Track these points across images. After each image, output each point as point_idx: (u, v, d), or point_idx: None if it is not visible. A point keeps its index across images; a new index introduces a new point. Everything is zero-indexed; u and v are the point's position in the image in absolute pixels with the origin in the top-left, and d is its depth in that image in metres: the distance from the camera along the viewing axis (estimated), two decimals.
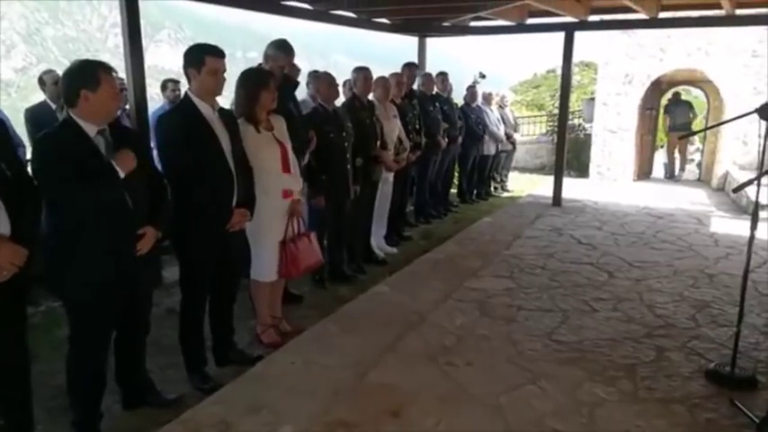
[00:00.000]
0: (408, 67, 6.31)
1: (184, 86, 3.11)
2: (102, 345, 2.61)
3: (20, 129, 4.47)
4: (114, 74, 2.45)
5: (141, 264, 2.54)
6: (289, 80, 4.01)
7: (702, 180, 10.99)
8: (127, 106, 4.42)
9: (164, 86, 6.20)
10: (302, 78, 5.17)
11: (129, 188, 2.43)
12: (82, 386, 2.62)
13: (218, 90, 2.93)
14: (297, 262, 3.49)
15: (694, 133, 9.10)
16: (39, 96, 5.05)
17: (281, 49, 3.88)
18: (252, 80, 3.31)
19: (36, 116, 4.68)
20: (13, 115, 4.41)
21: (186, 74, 2.88)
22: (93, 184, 2.33)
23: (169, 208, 2.67)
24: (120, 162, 2.37)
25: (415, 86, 6.54)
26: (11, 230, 2.08)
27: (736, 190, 3.29)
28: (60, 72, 3.10)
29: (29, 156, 3.38)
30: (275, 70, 3.76)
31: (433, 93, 6.82)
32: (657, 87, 10.81)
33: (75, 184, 2.28)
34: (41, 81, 4.85)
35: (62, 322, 3.43)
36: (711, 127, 10.15)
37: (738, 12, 6.82)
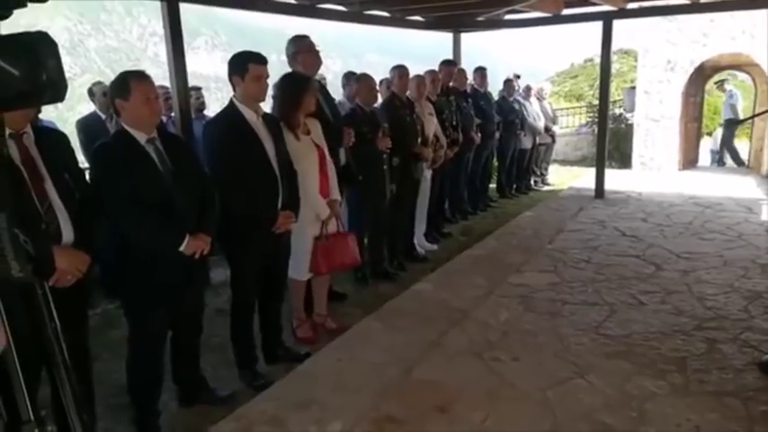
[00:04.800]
0: (446, 64, 6.29)
1: (207, 92, 3.19)
2: (158, 344, 2.73)
3: (70, 138, 4.67)
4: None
5: (194, 266, 2.63)
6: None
7: (751, 167, 10.63)
8: (173, 114, 4.56)
9: None
10: (335, 79, 5.19)
11: (180, 193, 2.53)
12: (141, 385, 2.74)
13: (261, 95, 3.01)
14: (328, 258, 3.54)
15: (743, 121, 8.78)
16: (84, 106, 5.25)
17: (299, 39, 3.86)
18: (293, 85, 3.35)
19: (87, 127, 4.88)
20: (60, 125, 4.61)
21: (231, 81, 2.98)
22: (146, 191, 2.44)
23: (216, 212, 2.76)
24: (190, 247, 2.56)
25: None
26: (74, 238, 2.19)
27: None
28: (108, 83, 3.26)
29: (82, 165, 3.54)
30: (309, 60, 3.77)
31: (466, 89, 6.79)
32: (701, 73, 10.49)
33: (130, 191, 2.40)
34: (91, 92, 5.05)
35: (118, 324, 3.59)
36: (761, 113, 9.79)
37: None
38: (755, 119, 10.38)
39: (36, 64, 1.11)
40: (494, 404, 2.82)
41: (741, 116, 10.72)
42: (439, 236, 6.10)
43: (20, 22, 1.18)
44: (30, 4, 1.17)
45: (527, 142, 8.34)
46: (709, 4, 7.15)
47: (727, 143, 11.19)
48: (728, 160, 11.22)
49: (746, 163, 10.98)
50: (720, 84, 11.04)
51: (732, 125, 10.80)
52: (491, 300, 4.21)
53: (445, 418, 2.72)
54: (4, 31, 1.09)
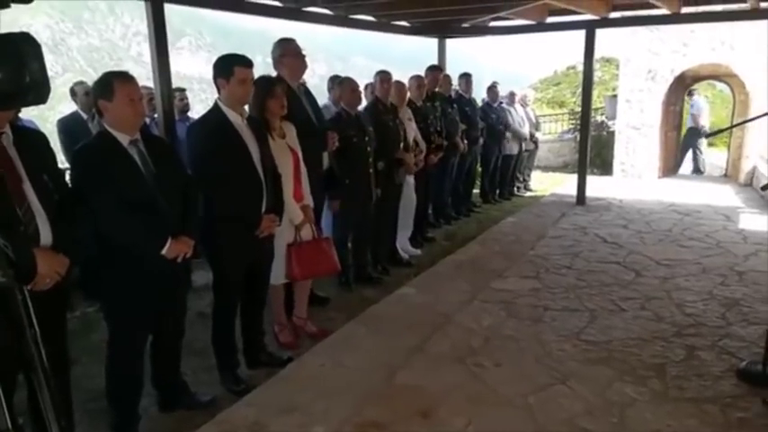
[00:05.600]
0: (432, 70, 6.31)
1: (191, 93, 3.16)
2: (138, 348, 2.69)
3: (50, 138, 4.60)
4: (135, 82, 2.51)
5: (176, 269, 2.60)
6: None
7: (729, 176, 10.81)
8: (156, 115, 4.51)
9: None
10: (321, 82, 5.19)
11: (163, 195, 2.50)
12: (120, 389, 2.70)
13: (246, 98, 3.00)
14: (302, 265, 3.50)
15: (722, 131, 8.95)
16: (65, 106, 5.19)
17: (285, 42, 3.84)
18: (259, 88, 3.26)
19: (68, 126, 4.82)
20: (40, 124, 4.54)
21: (216, 83, 2.96)
22: (129, 194, 2.41)
23: (199, 214, 2.73)
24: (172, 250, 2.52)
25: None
26: (52, 240, 2.15)
27: (765, 188, 3.24)
28: (90, 83, 3.22)
29: (62, 165, 3.48)
30: (294, 63, 3.77)
31: (451, 94, 6.82)
32: (681, 83, 10.66)
33: (112, 193, 2.37)
34: (73, 92, 4.99)
35: (97, 327, 3.54)
36: (739, 124, 9.97)
37: (763, 5, 6.69)
38: (734, 129, 10.56)
39: (19, 65, 1.09)
40: (476, 409, 2.83)
41: (705, 125, 11.04)
42: (423, 240, 6.11)
43: (2, 19, 1.16)
44: (13, 5, 1.15)
45: (513, 148, 8.39)
46: (689, 15, 7.26)
47: (684, 149, 11.47)
48: (706, 167, 11.42)
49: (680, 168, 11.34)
50: (690, 94, 11.31)
51: (696, 136, 11.09)
52: (474, 305, 4.23)
53: (428, 423, 2.72)
54: None
